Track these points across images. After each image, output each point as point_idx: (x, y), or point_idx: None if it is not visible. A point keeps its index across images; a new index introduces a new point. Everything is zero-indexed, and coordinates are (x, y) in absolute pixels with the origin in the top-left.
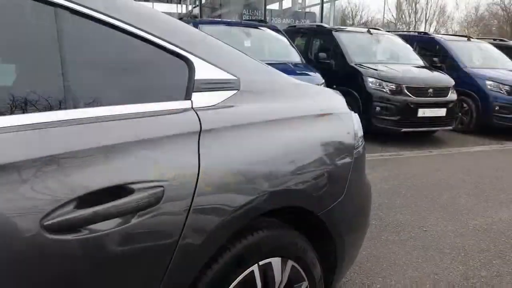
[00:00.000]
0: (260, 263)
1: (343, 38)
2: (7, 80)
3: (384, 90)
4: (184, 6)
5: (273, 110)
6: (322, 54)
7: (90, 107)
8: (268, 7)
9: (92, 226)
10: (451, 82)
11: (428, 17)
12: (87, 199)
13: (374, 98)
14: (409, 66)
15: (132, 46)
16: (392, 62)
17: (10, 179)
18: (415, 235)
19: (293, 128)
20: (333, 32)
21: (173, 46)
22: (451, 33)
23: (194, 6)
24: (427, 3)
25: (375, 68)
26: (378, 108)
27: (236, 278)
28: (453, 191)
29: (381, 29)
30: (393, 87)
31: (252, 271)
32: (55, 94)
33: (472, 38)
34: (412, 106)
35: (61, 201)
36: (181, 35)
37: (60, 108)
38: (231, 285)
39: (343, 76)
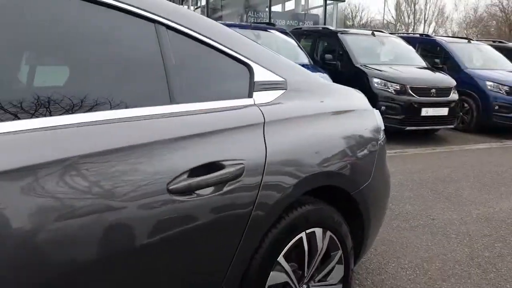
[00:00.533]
0: (307, 231)
1: (348, 40)
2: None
3: (389, 90)
4: (185, 7)
5: (312, 106)
6: (328, 55)
7: (190, 102)
8: (275, 8)
9: (198, 191)
10: (453, 82)
11: (427, 17)
12: (195, 172)
13: (379, 98)
14: (412, 67)
15: (208, 54)
16: (396, 63)
17: (149, 154)
18: (424, 222)
19: (329, 121)
20: (339, 35)
21: (238, 54)
22: (450, 34)
23: (196, 7)
24: (426, 4)
25: (380, 69)
26: (383, 108)
27: (290, 242)
28: (456, 184)
29: (384, 31)
30: (398, 87)
31: (301, 237)
32: (164, 93)
33: (472, 40)
34: (415, 105)
35: (179, 172)
36: (242, 45)
37: (172, 103)
38: (285, 248)
39: (349, 77)
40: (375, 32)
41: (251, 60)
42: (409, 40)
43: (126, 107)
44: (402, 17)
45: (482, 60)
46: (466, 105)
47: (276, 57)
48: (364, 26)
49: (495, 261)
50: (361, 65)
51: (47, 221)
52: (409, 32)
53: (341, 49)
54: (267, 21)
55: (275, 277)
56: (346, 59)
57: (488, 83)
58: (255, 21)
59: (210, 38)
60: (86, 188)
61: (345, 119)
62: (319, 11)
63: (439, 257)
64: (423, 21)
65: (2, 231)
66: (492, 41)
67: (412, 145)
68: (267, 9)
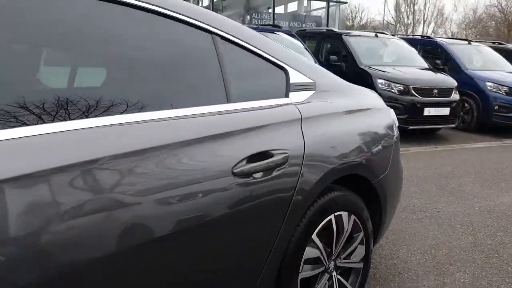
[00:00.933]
0: (335, 214)
1: (352, 42)
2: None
3: (393, 90)
4: None
5: (338, 105)
6: (333, 57)
7: (241, 101)
8: (271, 10)
9: (254, 175)
10: (454, 83)
11: (426, 18)
12: (251, 159)
13: (383, 98)
14: (414, 68)
15: (253, 60)
16: (398, 64)
17: (219, 143)
18: (430, 214)
19: (352, 118)
20: (343, 36)
21: (276, 60)
22: (450, 34)
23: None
24: (425, 4)
25: (383, 70)
26: None
27: (321, 223)
28: (459, 180)
29: (387, 33)
30: (401, 87)
31: (330, 219)
32: (222, 93)
33: (473, 41)
34: (418, 105)
35: (240, 158)
36: (279, 51)
37: (229, 102)
38: (317, 228)
39: (353, 78)
40: (378, 34)
41: (287, 64)
42: (411, 42)
43: (195, 105)
44: (402, 18)
45: (482, 61)
46: (466, 105)
47: (306, 61)
48: (363, 27)
49: (497, 248)
50: (365, 66)
51: (124, 203)
52: (409, 33)
53: (346, 50)
54: (270, 22)
55: (309, 252)
56: (351, 60)
57: (488, 83)
58: (259, 22)
59: (254, 46)
60: (171, 171)
61: (365, 117)
62: (320, 13)
63: (446, 245)
64: (422, 22)
65: (62, 221)
66: (492, 42)
67: (414, 144)
68: (270, 10)
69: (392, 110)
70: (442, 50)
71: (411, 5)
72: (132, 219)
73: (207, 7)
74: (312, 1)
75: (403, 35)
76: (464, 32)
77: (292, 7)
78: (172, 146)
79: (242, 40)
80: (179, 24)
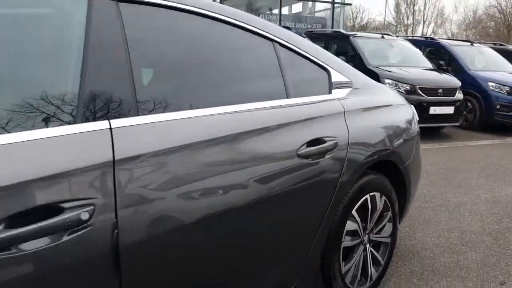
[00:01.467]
0: (370, 194)
1: (360, 43)
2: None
3: (400, 90)
4: None
5: (369, 101)
6: (341, 57)
7: (297, 97)
8: (275, 11)
9: (313, 157)
10: (458, 83)
11: (426, 18)
12: (310, 144)
13: None
14: (420, 68)
15: (303, 62)
16: (404, 65)
17: (286, 129)
18: (441, 204)
19: (383, 112)
20: (351, 38)
21: (321, 62)
22: (450, 35)
23: None
24: (425, 5)
25: (390, 70)
26: None
27: (359, 201)
28: (465, 174)
29: (392, 35)
30: (408, 87)
31: (366, 198)
32: (282, 90)
33: (475, 43)
34: (424, 104)
35: (302, 142)
36: (321, 54)
37: (288, 98)
38: (356, 205)
39: None
40: (385, 36)
41: (328, 66)
42: (415, 43)
43: (264, 100)
44: (402, 18)
45: (484, 62)
46: (469, 104)
47: (343, 63)
48: (364, 28)
49: (503, 231)
50: (373, 67)
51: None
52: (408, 33)
53: (353, 51)
54: (277, 23)
55: (350, 225)
56: (358, 61)
57: (490, 83)
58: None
59: (303, 50)
60: (254, 151)
61: (393, 111)
62: (324, 14)
63: (457, 229)
64: (422, 22)
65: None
66: (493, 43)
67: (420, 141)
68: (275, 11)
69: (413, 106)
70: (446, 51)
71: (411, 5)
72: (224, 188)
73: None
74: (316, 3)
75: (407, 36)
76: (465, 33)
77: (297, 8)
78: (252, 132)
79: (294, 46)
80: (252, 34)
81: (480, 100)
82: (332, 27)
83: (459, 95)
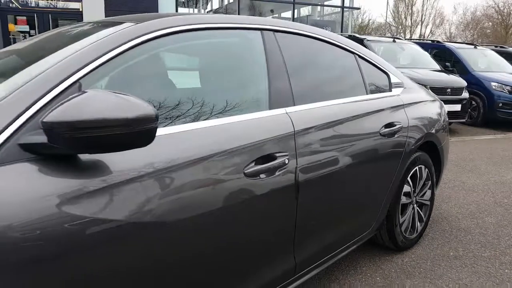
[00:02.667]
0: (418, 166)
1: (373, 46)
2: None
3: None
4: (196, 10)
5: (416, 97)
6: None
7: (372, 94)
8: (283, 14)
9: (388, 136)
10: (464, 83)
11: (424, 19)
12: (385, 126)
13: None
14: (428, 70)
15: (373, 68)
16: (414, 66)
17: (366, 118)
18: (457, 184)
19: (425, 105)
20: (365, 41)
21: (383, 67)
22: (448, 35)
23: (209, 11)
24: (423, 5)
25: (403, 71)
26: None
27: (412, 170)
28: (474, 162)
29: (402, 38)
30: None
31: (416, 169)
32: (363, 88)
33: (478, 45)
34: None
35: (381, 125)
36: (381, 61)
37: (367, 94)
38: (410, 173)
39: None
40: (396, 39)
41: (387, 70)
42: (422, 46)
43: (353, 96)
44: (400, 19)
45: (487, 63)
46: (473, 102)
47: (392, 66)
48: (363, 28)
49: None
50: None
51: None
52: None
53: None
54: None
55: (406, 188)
56: None
57: (493, 83)
58: None
59: (372, 59)
60: (347, 133)
61: (429, 105)
62: (333, 17)
63: (474, 202)
64: (420, 23)
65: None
66: (495, 46)
67: None
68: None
69: (441, 102)
70: (451, 53)
71: (409, 6)
72: (341, 153)
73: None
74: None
75: (415, 39)
76: (463, 34)
77: (305, 11)
78: (340, 121)
79: (367, 56)
80: (343, 50)
81: (484, 98)
82: (341, 30)
83: (465, 94)
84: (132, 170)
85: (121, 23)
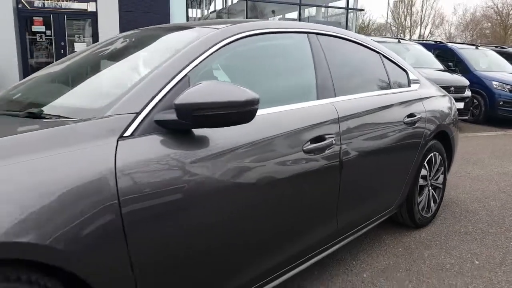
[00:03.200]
0: (433, 153)
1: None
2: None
3: None
4: (199, 10)
5: (430, 92)
6: None
7: (394, 88)
8: (287, 15)
9: (409, 124)
10: (467, 82)
11: (423, 19)
12: (408, 116)
13: None
14: (432, 69)
15: (395, 66)
16: (419, 66)
17: (396, 107)
18: (464, 175)
19: (438, 99)
20: None
21: (403, 66)
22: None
23: (211, 11)
24: (422, 6)
25: None
26: None
27: (428, 156)
28: (477, 156)
29: (406, 39)
30: None
31: (431, 155)
32: (387, 84)
33: (479, 46)
34: None
35: (405, 114)
36: (401, 60)
37: (391, 89)
38: (426, 159)
39: None
40: (401, 40)
41: (406, 68)
42: (426, 46)
43: (379, 90)
44: (400, 20)
45: (488, 63)
46: (475, 101)
47: (411, 66)
48: (364, 29)
49: None
50: None
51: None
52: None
53: None
54: None
55: (423, 172)
56: None
57: (494, 83)
58: None
59: (393, 58)
60: (379, 118)
61: (441, 99)
62: (338, 18)
63: (479, 189)
64: (419, 23)
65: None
66: (495, 46)
67: None
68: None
69: (451, 97)
70: (453, 53)
71: (409, 6)
72: (373, 137)
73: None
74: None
75: (416, 40)
76: (463, 34)
77: (310, 12)
78: (373, 110)
79: (389, 55)
80: (371, 51)
81: (485, 97)
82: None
83: (468, 93)
84: (233, 142)
85: (191, 27)
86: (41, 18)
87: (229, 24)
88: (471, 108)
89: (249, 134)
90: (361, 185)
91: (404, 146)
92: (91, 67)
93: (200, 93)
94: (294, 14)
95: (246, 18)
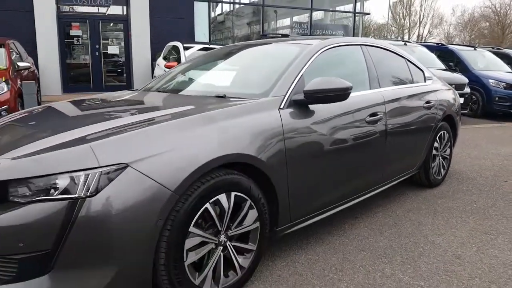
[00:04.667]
0: (443, 131)
1: None
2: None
3: None
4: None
5: (439, 86)
6: None
7: (414, 83)
8: (295, 19)
9: (426, 109)
10: (466, 80)
11: (422, 19)
12: (425, 103)
13: None
14: (435, 69)
15: (413, 67)
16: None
17: (417, 95)
18: (464, 155)
19: (444, 91)
20: None
21: (420, 66)
22: (446, 35)
23: (219, 14)
24: (421, 6)
25: None
26: None
27: (439, 134)
28: (476, 142)
29: (411, 41)
30: None
31: (441, 133)
32: (410, 79)
33: (477, 47)
34: None
35: (424, 102)
36: (418, 62)
37: (412, 83)
38: (438, 135)
39: None
40: (407, 43)
41: (422, 68)
42: (428, 48)
43: (404, 84)
44: (399, 19)
45: (485, 63)
46: (474, 97)
47: (425, 67)
48: (365, 30)
49: (505, 166)
50: None
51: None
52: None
53: None
54: (308, 31)
55: (435, 144)
56: None
57: (491, 80)
58: (298, 31)
59: (413, 61)
60: (405, 107)
61: (449, 91)
62: (345, 22)
63: (477, 164)
64: (418, 23)
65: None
66: (492, 47)
67: None
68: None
69: (455, 90)
70: (454, 54)
71: (408, 6)
72: (404, 118)
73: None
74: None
75: (421, 42)
76: (461, 34)
77: (318, 15)
78: (404, 97)
79: (410, 59)
80: (398, 56)
81: (483, 93)
82: (353, 34)
83: (467, 89)
84: (332, 112)
85: (293, 43)
86: (78, 23)
87: (317, 40)
88: (470, 103)
89: (341, 107)
90: (398, 148)
91: (423, 123)
92: (237, 66)
93: (318, 84)
94: (302, 17)
95: (253, 19)
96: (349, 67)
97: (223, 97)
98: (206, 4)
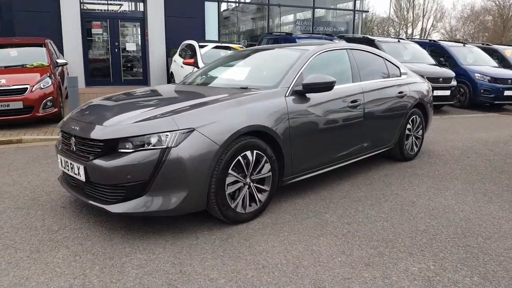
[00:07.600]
0: (414, 116)
1: (383, 45)
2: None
3: None
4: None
5: (414, 80)
6: None
7: (392, 78)
8: (298, 16)
9: (399, 97)
10: (453, 74)
11: (426, 12)
12: (399, 93)
13: None
14: (426, 64)
15: (390, 64)
16: (415, 61)
17: (397, 87)
18: (441, 139)
19: (419, 84)
20: (376, 42)
21: (396, 64)
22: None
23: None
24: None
25: (406, 65)
26: None
27: (412, 116)
28: (455, 129)
29: (405, 39)
30: None
31: (414, 117)
32: (386, 74)
33: (466, 44)
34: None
35: (397, 92)
36: (395, 59)
37: (389, 78)
38: (411, 118)
39: None
40: (400, 40)
41: (398, 65)
42: (421, 44)
43: (391, 77)
44: (402, 13)
45: (473, 58)
46: (461, 89)
47: (400, 63)
48: (367, 24)
49: (479, 149)
50: None
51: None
52: (408, 27)
53: None
54: (310, 28)
55: (408, 125)
56: None
57: (477, 74)
58: (301, 28)
59: (390, 59)
60: (383, 95)
61: (423, 84)
62: (346, 19)
63: (449, 146)
64: (422, 17)
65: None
66: (481, 43)
67: None
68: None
69: (429, 83)
70: (444, 50)
71: (411, 0)
72: (380, 104)
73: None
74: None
75: (415, 39)
76: (463, 29)
77: (320, 13)
78: (383, 88)
79: (388, 58)
80: (378, 56)
81: (469, 86)
82: (353, 32)
83: (453, 82)
84: (322, 99)
85: (295, 48)
86: (99, 22)
87: (314, 46)
88: (458, 95)
89: (329, 95)
90: (374, 127)
91: (397, 108)
92: (253, 66)
93: (312, 79)
94: (304, 14)
95: (257, 16)
96: (337, 66)
97: (245, 88)
98: (215, 4)
